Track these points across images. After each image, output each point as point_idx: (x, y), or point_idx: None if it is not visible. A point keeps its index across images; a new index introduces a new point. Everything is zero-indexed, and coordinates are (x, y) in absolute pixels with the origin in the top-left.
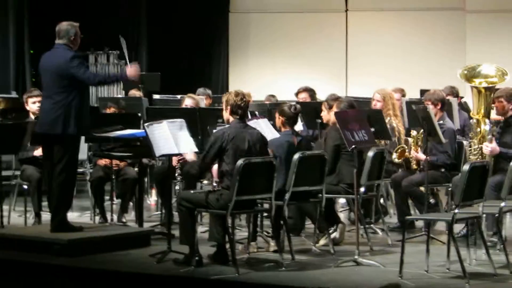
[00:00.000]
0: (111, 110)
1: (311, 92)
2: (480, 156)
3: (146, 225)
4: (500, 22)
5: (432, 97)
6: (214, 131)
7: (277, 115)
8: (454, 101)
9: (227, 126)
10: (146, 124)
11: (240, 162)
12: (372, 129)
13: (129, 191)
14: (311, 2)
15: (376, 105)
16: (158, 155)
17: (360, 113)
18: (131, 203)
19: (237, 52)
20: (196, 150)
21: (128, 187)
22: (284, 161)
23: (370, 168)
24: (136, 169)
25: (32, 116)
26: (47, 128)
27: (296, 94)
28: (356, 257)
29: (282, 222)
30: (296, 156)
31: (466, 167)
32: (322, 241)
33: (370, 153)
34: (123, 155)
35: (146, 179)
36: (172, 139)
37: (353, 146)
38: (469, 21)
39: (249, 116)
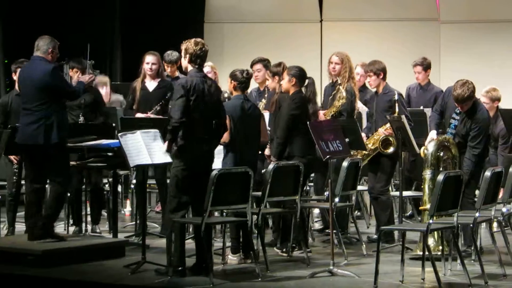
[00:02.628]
0: (73, 71)
1: (265, 62)
2: None
3: (121, 236)
4: (473, 32)
5: (373, 67)
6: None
7: (229, 79)
8: (428, 110)
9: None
10: (120, 134)
11: (215, 172)
12: (347, 140)
13: (96, 202)
14: (286, 12)
15: (335, 68)
16: (132, 165)
17: (335, 124)
18: (105, 214)
19: (212, 62)
20: (170, 160)
21: (94, 198)
22: (240, 122)
23: (345, 178)
24: (110, 179)
25: (18, 89)
26: (28, 139)
27: (251, 66)
28: (331, 267)
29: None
30: (271, 166)
31: (440, 177)
32: (296, 253)
33: (345, 163)
34: (98, 165)
35: (120, 189)
36: (145, 149)
37: (328, 157)
38: (443, 32)
39: None
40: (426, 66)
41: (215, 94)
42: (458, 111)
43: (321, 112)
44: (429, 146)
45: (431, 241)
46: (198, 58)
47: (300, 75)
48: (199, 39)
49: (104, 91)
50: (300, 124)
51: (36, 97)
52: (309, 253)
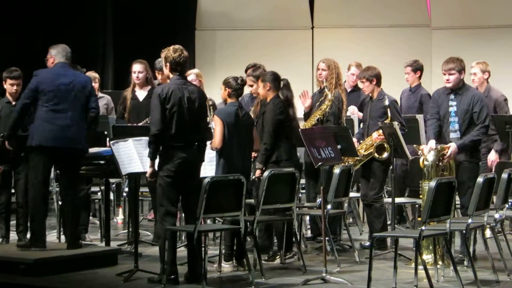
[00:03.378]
0: None
1: (260, 68)
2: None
3: (113, 244)
4: (464, 38)
5: (366, 74)
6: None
7: (222, 87)
8: (420, 117)
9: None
10: (112, 142)
11: (207, 180)
12: (339, 146)
13: (84, 209)
14: (277, 19)
15: (321, 74)
16: (124, 173)
17: (327, 130)
18: (97, 222)
19: (204, 69)
20: None
21: (84, 206)
22: (233, 129)
23: (337, 185)
24: (102, 187)
25: (8, 97)
26: (78, 142)
27: (246, 71)
28: (323, 274)
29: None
30: (266, 173)
31: (432, 183)
32: (289, 260)
33: (337, 170)
34: (90, 174)
35: (112, 197)
36: (137, 157)
37: (320, 164)
38: (435, 38)
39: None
40: (415, 68)
41: (197, 100)
42: (453, 97)
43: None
44: (429, 156)
45: (429, 257)
46: (179, 65)
47: (274, 79)
48: (177, 46)
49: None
50: (284, 128)
51: (79, 101)
52: (299, 260)
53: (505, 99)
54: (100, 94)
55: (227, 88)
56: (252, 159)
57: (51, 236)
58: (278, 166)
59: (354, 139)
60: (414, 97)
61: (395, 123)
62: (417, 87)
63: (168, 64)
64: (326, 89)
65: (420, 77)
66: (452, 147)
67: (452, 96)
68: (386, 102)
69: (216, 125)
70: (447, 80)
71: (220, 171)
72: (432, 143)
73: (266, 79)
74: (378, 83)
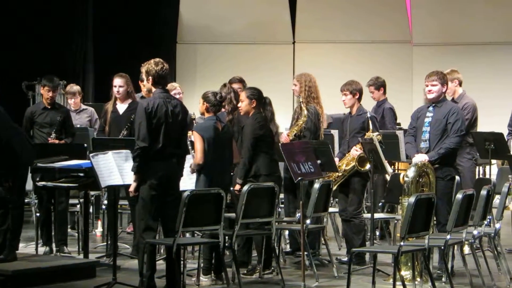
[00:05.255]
0: (44, 89)
1: (244, 83)
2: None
3: (92, 256)
4: (445, 55)
5: (350, 87)
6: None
7: (201, 100)
8: (400, 133)
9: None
10: (91, 154)
11: (186, 193)
12: (319, 161)
13: (63, 222)
14: (259, 33)
15: (293, 89)
16: (104, 186)
17: (307, 145)
18: (75, 234)
19: (185, 83)
20: None
21: (60, 219)
22: (213, 143)
23: (316, 200)
24: (81, 199)
25: None
26: None
27: (230, 83)
28: None
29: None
30: (246, 187)
31: (412, 199)
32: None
33: (316, 185)
34: (69, 186)
35: (91, 210)
36: (117, 170)
37: (299, 178)
38: (416, 54)
39: None
40: (378, 85)
41: (180, 114)
42: (431, 109)
43: (285, 132)
44: (409, 172)
45: (408, 273)
46: (162, 78)
47: (260, 96)
48: (157, 59)
49: (73, 101)
50: (263, 143)
51: None
52: (278, 274)
53: (474, 105)
54: (83, 107)
55: (205, 103)
56: (232, 173)
57: (30, 248)
58: (257, 181)
59: (336, 159)
60: (379, 111)
61: (375, 138)
62: (382, 102)
63: (150, 77)
64: (301, 104)
65: (384, 92)
66: (422, 156)
67: (431, 108)
68: (368, 115)
69: (196, 141)
70: (429, 91)
71: (202, 186)
72: (422, 156)
73: (253, 96)
74: (360, 98)
